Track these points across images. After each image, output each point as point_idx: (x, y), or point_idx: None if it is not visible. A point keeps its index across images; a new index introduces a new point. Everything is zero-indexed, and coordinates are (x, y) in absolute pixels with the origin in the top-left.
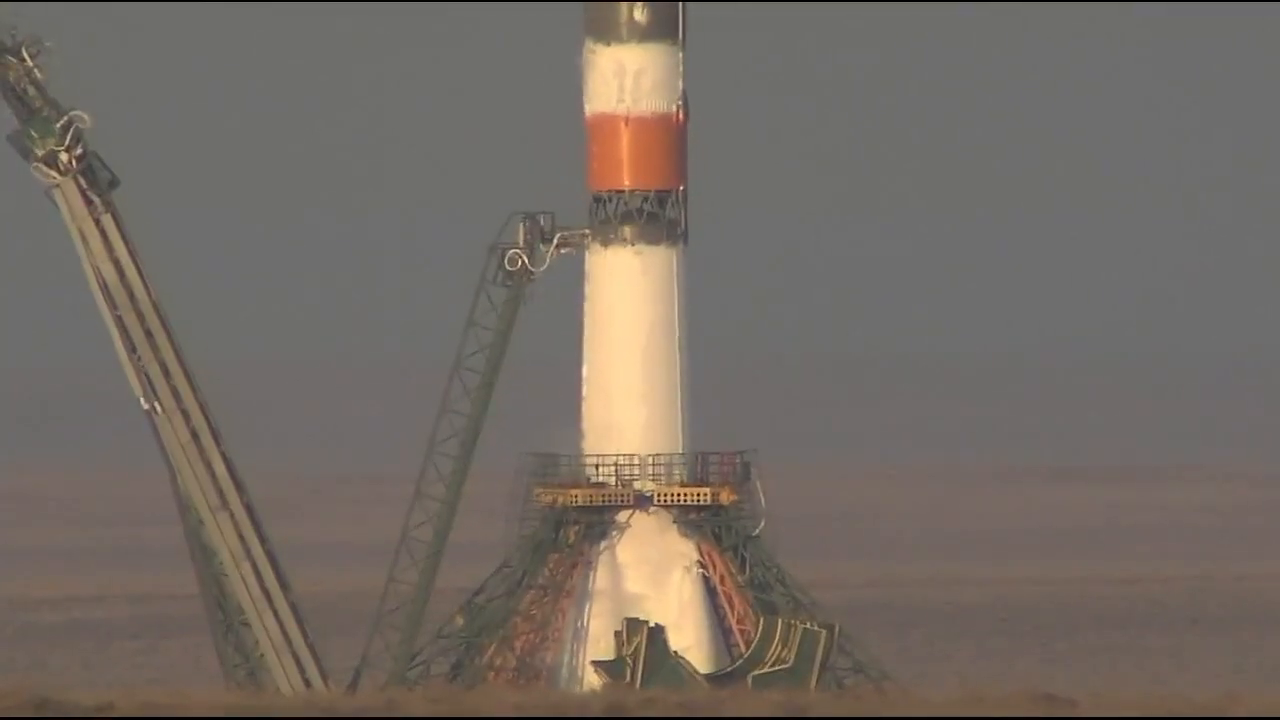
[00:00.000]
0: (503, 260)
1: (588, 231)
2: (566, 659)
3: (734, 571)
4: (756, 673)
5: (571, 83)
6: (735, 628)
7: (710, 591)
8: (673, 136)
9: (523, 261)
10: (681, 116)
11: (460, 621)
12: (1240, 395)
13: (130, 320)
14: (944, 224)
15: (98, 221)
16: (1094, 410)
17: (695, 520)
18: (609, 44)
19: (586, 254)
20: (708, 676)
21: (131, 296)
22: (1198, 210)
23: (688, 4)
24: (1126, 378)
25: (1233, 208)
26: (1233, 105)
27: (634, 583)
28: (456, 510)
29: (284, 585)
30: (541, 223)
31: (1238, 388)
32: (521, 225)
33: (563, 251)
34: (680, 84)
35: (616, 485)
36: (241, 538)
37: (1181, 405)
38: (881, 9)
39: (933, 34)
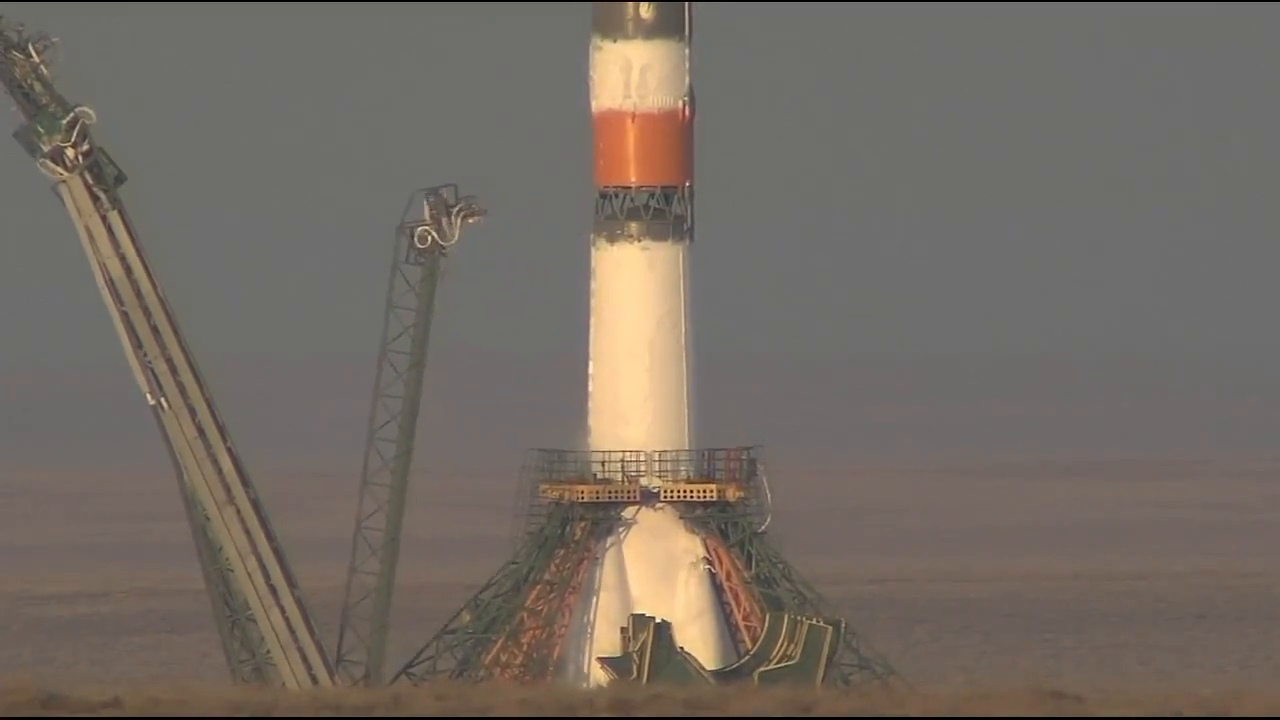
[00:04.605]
0: (413, 239)
1: (483, 209)
2: (573, 655)
3: (740, 567)
4: (762, 669)
5: (578, 79)
6: (741, 624)
7: (716, 588)
8: (679, 132)
9: (432, 237)
10: (688, 113)
11: (467, 618)
12: (1247, 392)
13: (136, 316)
14: (948, 224)
15: (104, 217)
16: (1100, 407)
17: (701, 516)
18: (616, 40)
19: (593, 250)
20: (714, 673)
21: (138, 292)
22: (1203, 209)
23: (694, 1)
24: (1133, 375)
25: (1238, 207)
26: (1235, 105)
27: (640, 579)
28: (406, 495)
29: (290, 581)
30: (445, 196)
31: (1245, 385)
32: (426, 201)
33: (470, 222)
34: (686, 80)
35: (623, 481)
36: (247, 533)
37: (1188, 402)
38: (888, 8)
39: (939, 34)
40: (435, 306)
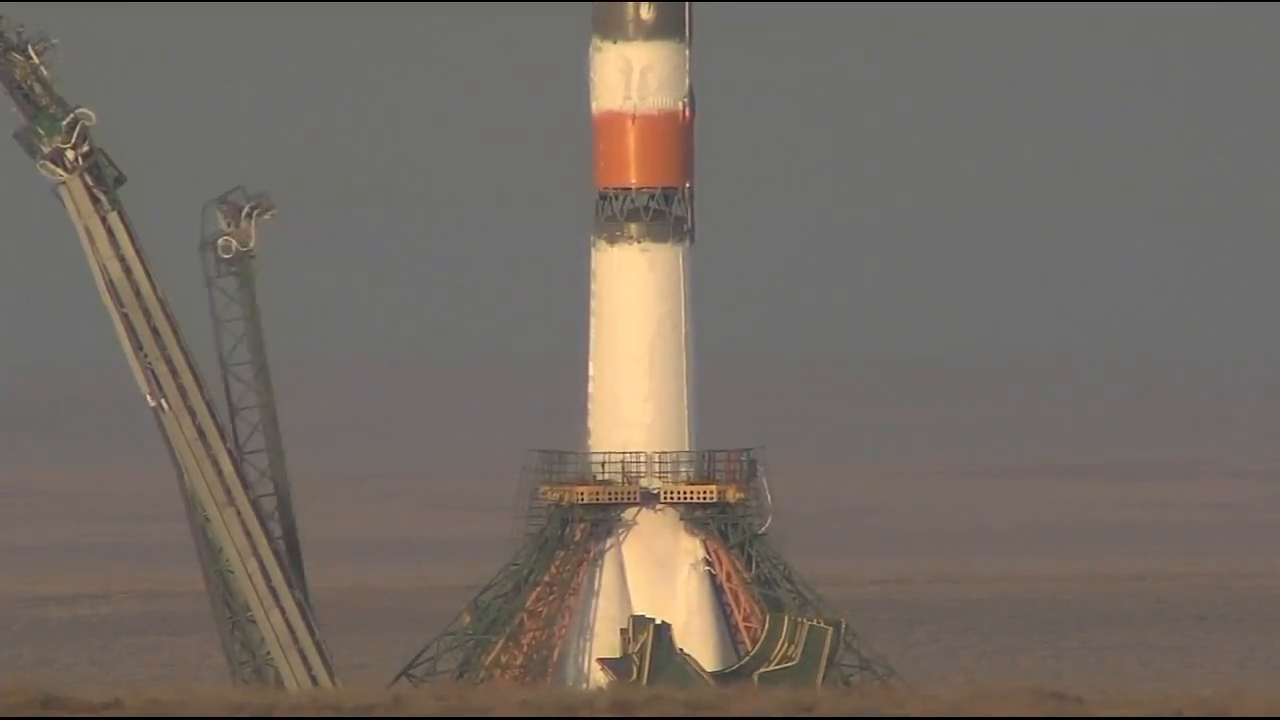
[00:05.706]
0: (217, 251)
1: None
2: (573, 656)
3: (740, 569)
4: (763, 670)
5: (579, 80)
6: (741, 625)
7: (717, 589)
8: (679, 134)
9: (234, 245)
10: (688, 114)
11: (467, 619)
12: (1248, 393)
13: (136, 317)
14: (947, 224)
15: (104, 219)
16: (1102, 408)
17: (702, 518)
18: (616, 41)
19: (593, 251)
20: (714, 674)
21: (138, 294)
22: (1203, 209)
23: (694, 2)
24: (1133, 375)
25: (1239, 206)
26: (1234, 106)
27: (640, 580)
28: (292, 499)
29: (290, 582)
30: (235, 200)
31: (1246, 385)
32: (219, 211)
33: (265, 219)
34: (687, 81)
35: (623, 483)
36: (248, 534)
37: (1189, 403)
38: (888, 8)
39: (939, 34)
40: (260, 309)
